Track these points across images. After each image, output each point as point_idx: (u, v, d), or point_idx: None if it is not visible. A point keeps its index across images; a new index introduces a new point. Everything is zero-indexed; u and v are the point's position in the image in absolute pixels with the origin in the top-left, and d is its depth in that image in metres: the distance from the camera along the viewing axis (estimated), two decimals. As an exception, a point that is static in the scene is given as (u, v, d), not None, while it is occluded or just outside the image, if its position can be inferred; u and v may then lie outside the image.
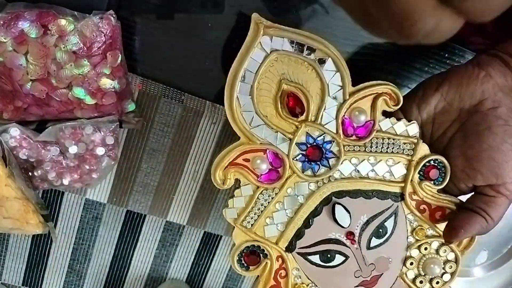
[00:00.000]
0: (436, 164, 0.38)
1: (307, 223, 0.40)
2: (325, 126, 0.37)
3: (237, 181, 0.39)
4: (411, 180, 0.39)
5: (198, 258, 0.55)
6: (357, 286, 0.41)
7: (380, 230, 0.40)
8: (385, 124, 0.38)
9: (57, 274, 0.53)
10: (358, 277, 0.41)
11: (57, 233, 0.51)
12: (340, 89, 0.37)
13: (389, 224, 0.40)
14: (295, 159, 0.38)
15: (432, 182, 0.39)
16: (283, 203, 0.39)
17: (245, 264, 0.41)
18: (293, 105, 0.37)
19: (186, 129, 0.48)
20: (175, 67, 0.45)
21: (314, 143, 0.38)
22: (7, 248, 0.51)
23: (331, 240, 0.40)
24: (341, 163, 0.38)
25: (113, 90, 0.43)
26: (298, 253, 0.41)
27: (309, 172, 0.39)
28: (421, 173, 0.39)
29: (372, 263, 0.41)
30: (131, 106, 0.45)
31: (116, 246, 0.53)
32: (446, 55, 0.45)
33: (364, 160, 0.39)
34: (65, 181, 0.46)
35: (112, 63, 0.41)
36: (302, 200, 0.39)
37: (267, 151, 0.38)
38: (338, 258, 0.40)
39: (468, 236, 0.39)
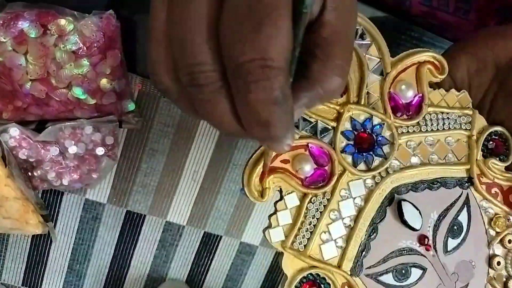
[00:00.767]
0: (497, 138, 0.34)
1: (371, 232, 0.32)
2: (370, 106, 0.31)
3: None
4: (476, 159, 0.33)
5: (198, 259, 0.55)
6: None
7: (455, 227, 0.33)
8: (434, 96, 0.33)
9: (57, 274, 0.53)
10: None
11: (57, 233, 0.51)
12: (380, 61, 0.31)
13: (462, 217, 0.34)
14: (343, 152, 0.31)
15: (498, 158, 0.34)
16: (339, 210, 0.31)
17: None
18: None
19: (186, 129, 0.47)
20: (175, 67, 0.45)
21: (362, 129, 0.31)
22: (7, 248, 0.51)
23: (403, 250, 0.32)
24: (397, 149, 0.32)
25: (112, 90, 0.43)
26: (367, 275, 0.32)
27: (362, 166, 0.31)
28: (483, 149, 0.34)
29: (454, 272, 0.34)
30: (130, 106, 0.45)
31: (115, 246, 0.53)
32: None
33: (421, 142, 0.33)
34: (65, 181, 0.46)
35: (112, 63, 0.41)
36: (360, 203, 0.32)
37: (309, 146, 0.31)
38: (415, 273, 0.33)
39: None
